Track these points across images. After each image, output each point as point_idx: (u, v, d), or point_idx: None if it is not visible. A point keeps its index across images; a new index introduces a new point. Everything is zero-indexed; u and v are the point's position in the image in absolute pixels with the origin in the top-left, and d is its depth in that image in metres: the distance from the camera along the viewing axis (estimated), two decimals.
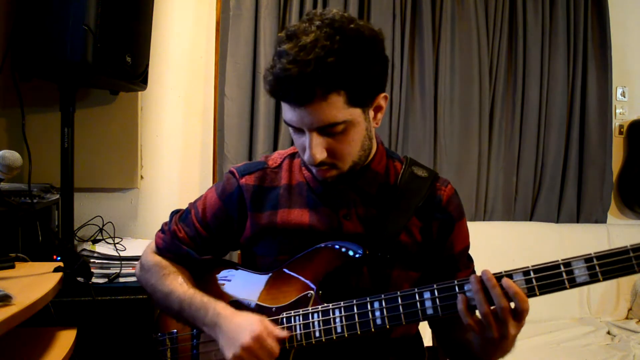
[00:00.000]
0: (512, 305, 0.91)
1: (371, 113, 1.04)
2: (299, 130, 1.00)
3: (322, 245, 1.07)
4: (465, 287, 0.94)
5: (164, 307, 1.15)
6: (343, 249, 1.05)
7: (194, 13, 2.50)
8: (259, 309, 1.09)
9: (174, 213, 1.25)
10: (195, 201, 1.22)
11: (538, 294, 0.91)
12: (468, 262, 1.19)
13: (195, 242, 1.18)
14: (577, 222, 2.90)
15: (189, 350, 1.14)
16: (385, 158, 1.15)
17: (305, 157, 1.00)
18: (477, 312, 0.94)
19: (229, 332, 1.01)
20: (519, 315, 0.91)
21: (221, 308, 1.05)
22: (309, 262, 1.08)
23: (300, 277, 1.08)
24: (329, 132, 0.98)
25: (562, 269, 0.90)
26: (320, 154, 0.98)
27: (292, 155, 1.19)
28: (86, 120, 2.20)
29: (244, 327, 0.99)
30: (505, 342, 0.94)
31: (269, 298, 1.09)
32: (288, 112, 0.98)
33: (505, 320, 0.90)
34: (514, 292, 0.89)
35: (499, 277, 0.92)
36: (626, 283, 2.72)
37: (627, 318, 2.66)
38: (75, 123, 1.91)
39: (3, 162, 1.30)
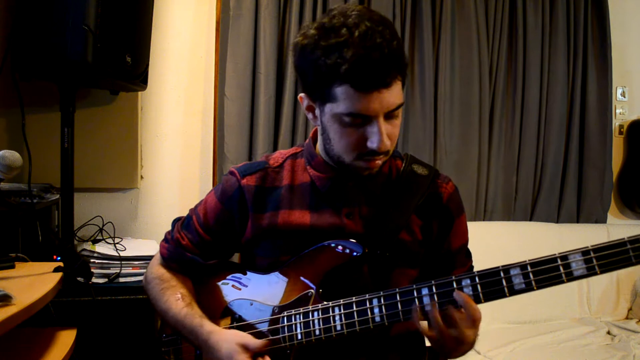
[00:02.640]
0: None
1: None
2: (360, 122, 0.97)
3: (323, 244, 1.07)
4: (463, 283, 0.95)
5: (164, 321, 1.16)
6: (341, 248, 1.05)
7: (194, 13, 2.50)
8: (260, 308, 1.09)
9: (175, 221, 1.24)
10: (196, 207, 1.21)
11: (535, 288, 0.91)
12: (466, 259, 1.19)
13: (200, 247, 1.18)
14: (577, 222, 2.90)
15: (193, 351, 1.14)
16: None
17: (375, 145, 0.97)
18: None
19: None
20: (473, 324, 0.94)
21: (207, 334, 1.06)
22: (309, 262, 1.08)
23: (300, 277, 1.08)
24: (392, 117, 0.99)
25: (559, 262, 0.89)
26: (388, 140, 0.99)
27: (295, 155, 1.18)
28: (86, 120, 2.20)
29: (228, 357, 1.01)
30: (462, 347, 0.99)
31: (270, 297, 1.09)
32: (356, 101, 0.94)
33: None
34: (464, 301, 0.92)
35: (499, 277, 0.94)
36: (626, 283, 2.72)
37: (627, 318, 2.66)
38: (75, 123, 1.91)
39: (3, 162, 1.30)
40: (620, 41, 2.95)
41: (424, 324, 0.98)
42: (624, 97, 3.04)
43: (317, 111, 1.04)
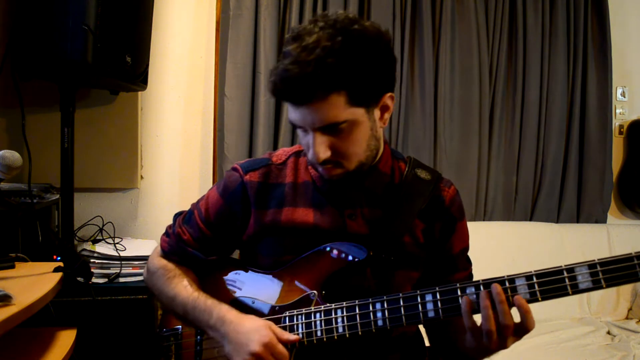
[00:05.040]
0: (518, 320, 0.91)
1: (377, 113, 1.03)
2: (303, 130, 1.01)
3: (325, 248, 1.07)
4: (467, 291, 0.94)
5: (170, 310, 1.16)
6: (343, 255, 1.05)
7: (194, 13, 2.50)
8: (262, 308, 1.09)
9: (177, 215, 1.25)
10: (198, 202, 1.22)
11: (540, 299, 0.90)
12: (467, 264, 1.19)
13: (200, 243, 1.18)
14: (577, 222, 2.90)
15: (193, 346, 1.14)
16: (391, 159, 1.15)
17: (310, 155, 1.01)
18: (481, 321, 0.94)
19: (237, 338, 1.01)
20: (522, 333, 0.92)
21: (225, 311, 1.05)
22: (312, 263, 1.08)
23: (303, 277, 1.08)
24: (332, 131, 0.98)
25: (565, 274, 0.89)
26: (324, 153, 0.99)
27: (298, 153, 1.18)
28: (86, 120, 2.20)
29: (252, 333, 0.99)
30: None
31: (273, 297, 1.09)
32: (291, 112, 0.99)
33: (506, 337, 0.91)
34: (525, 311, 0.90)
35: (504, 287, 0.92)
36: None
37: (627, 318, 2.66)
38: (75, 123, 1.91)
39: (3, 162, 1.30)
40: (620, 41, 2.95)
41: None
42: (624, 97, 3.04)
43: None
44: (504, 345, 0.93)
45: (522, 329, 0.91)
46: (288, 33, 1.00)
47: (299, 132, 1.04)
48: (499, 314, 0.90)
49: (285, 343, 1.00)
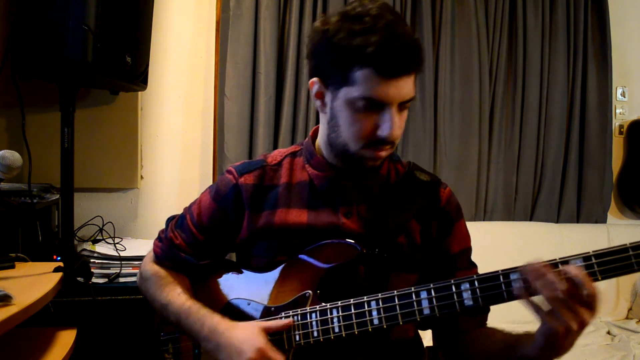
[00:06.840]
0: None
1: None
2: (373, 109, 0.98)
3: (320, 244, 1.06)
4: (462, 287, 0.93)
5: (163, 317, 1.15)
6: (337, 251, 1.05)
7: (194, 13, 2.50)
8: (258, 309, 1.08)
9: (169, 220, 1.24)
10: (190, 206, 1.21)
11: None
12: (469, 266, 1.16)
13: (193, 247, 1.18)
14: (577, 222, 2.90)
15: (191, 350, 1.14)
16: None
17: (385, 133, 0.98)
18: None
19: (230, 348, 1.00)
20: (591, 303, 0.84)
21: (217, 322, 1.04)
22: (306, 264, 1.07)
23: (297, 277, 1.07)
24: (403, 109, 1.01)
25: (560, 267, 0.88)
26: (399, 130, 1.01)
27: (294, 154, 1.18)
28: (86, 120, 2.20)
29: (245, 342, 0.98)
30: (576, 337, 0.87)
31: (268, 298, 1.09)
32: (375, 86, 0.95)
33: (573, 305, 0.83)
34: (574, 274, 0.82)
35: (501, 282, 0.91)
36: (626, 283, 2.71)
37: (627, 318, 2.66)
38: (75, 123, 1.91)
39: (3, 162, 1.30)
40: (620, 41, 2.95)
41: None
42: (624, 97, 3.04)
43: (327, 97, 1.04)
44: (584, 320, 0.83)
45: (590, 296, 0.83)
46: (333, 16, 1.00)
47: (361, 113, 0.99)
48: (549, 285, 0.83)
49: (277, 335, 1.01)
